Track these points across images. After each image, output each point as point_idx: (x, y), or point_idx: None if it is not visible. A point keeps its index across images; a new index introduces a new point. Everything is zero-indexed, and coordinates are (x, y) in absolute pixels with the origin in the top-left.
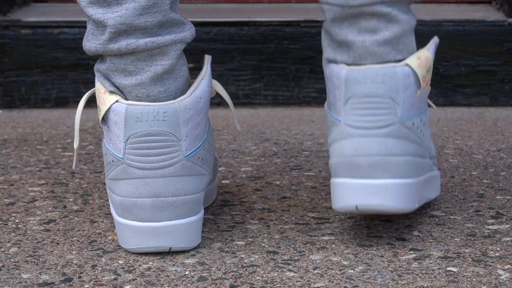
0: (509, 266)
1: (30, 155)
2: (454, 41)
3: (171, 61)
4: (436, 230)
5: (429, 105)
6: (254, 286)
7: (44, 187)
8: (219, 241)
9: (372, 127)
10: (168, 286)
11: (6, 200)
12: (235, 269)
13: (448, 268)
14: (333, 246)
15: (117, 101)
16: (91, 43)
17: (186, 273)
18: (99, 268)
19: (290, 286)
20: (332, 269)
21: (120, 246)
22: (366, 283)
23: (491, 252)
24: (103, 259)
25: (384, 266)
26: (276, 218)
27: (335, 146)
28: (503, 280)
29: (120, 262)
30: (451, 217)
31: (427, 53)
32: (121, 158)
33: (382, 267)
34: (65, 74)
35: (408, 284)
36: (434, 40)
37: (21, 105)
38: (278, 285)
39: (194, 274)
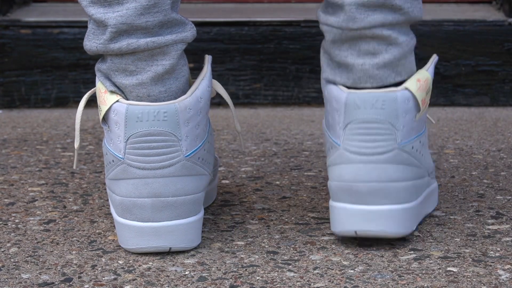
0: (509, 266)
1: (30, 155)
2: (454, 41)
3: (172, 61)
4: (436, 230)
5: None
6: (254, 286)
7: (44, 187)
8: (219, 241)
9: (372, 153)
10: (168, 286)
11: (6, 200)
12: (235, 269)
13: (448, 268)
14: (333, 246)
15: (117, 101)
16: (92, 42)
17: (186, 273)
18: (99, 268)
19: (290, 286)
20: (332, 269)
21: (120, 246)
22: (366, 283)
23: (491, 252)
24: (103, 259)
25: (384, 266)
26: (276, 218)
27: (334, 170)
28: (503, 280)
29: (120, 262)
30: (451, 217)
31: (426, 74)
32: (121, 158)
33: (382, 267)
34: (65, 74)
35: (408, 284)
36: (434, 59)
37: (21, 105)
38: (278, 285)
39: (194, 274)
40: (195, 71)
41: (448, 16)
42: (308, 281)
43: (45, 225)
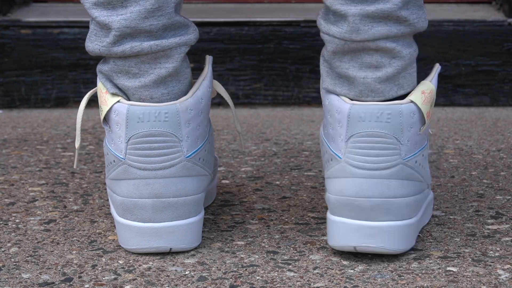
0: (508, 266)
1: (30, 155)
2: (454, 41)
3: (175, 64)
4: (436, 230)
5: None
6: (254, 286)
7: (44, 187)
8: (219, 241)
9: (375, 168)
10: (168, 286)
11: (6, 200)
12: (235, 269)
13: (448, 268)
14: None
15: (118, 101)
16: (94, 44)
17: (186, 273)
18: (99, 268)
19: (290, 286)
20: (332, 269)
21: (120, 246)
22: (366, 283)
23: (491, 252)
24: (103, 259)
25: (384, 266)
26: (276, 218)
27: (334, 183)
28: (502, 280)
29: (120, 262)
30: (451, 217)
31: (431, 85)
32: (122, 158)
33: (382, 267)
34: (65, 74)
35: (408, 284)
36: (437, 68)
37: (21, 105)
38: (278, 285)
39: (194, 274)
40: (196, 71)
41: (448, 16)
42: (308, 281)
43: (45, 225)
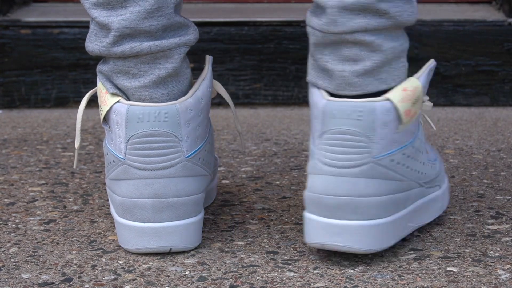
0: (509, 266)
1: (30, 155)
2: (454, 41)
3: (175, 65)
4: (436, 230)
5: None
6: (254, 286)
7: (44, 187)
8: (219, 241)
9: (343, 166)
10: (168, 286)
11: (6, 200)
12: (235, 269)
13: (448, 268)
14: None
15: (118, 101)
16: (94, 44)
17: (186, 273)
18: (99, 268)
19: (290, 286)
20: (332, 269)
21: (120, 246)
22: (366, 283)
23: (491, 252)
24: (103, 259)
25: (384, 266)
26: (276, 218)
27: (308, 179)
28: (503, 280)
29: (120, 262)
30: (451, 217)
31: (416, 82)
32: (122, 158)
33: (382, 267)
34: (65, 74)
35: (408, 284)
36: (429, 64)
37: (21, 105)
38: (278, 285)
39: (194, 274)
40: (195, 71)
41: (448, 16)
42: (308, 281)
43: (45, 225)
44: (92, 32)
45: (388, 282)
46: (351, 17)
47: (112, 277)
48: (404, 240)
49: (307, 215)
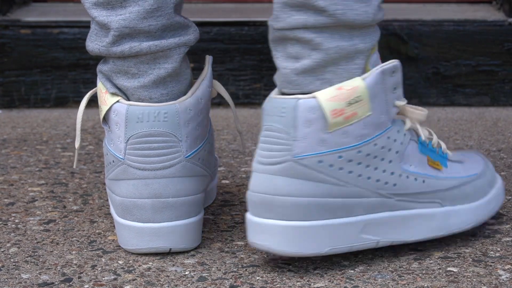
0: (509, 266)
1: (30, 155)
2: (454, 41)
3: (175, 65)
4: None
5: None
6: (254, 286)
7: (44, 187)
8: (219, 241)
9: (266, 163)
10: (168, 286)
11: (6, 200)
12: (235, 269)
13: (448, 268)
14: None
15: (118, 101)
16: (94, 44)
17: (186, 273)
18: (99, 268)
19: (290, 286)
20: (332, 269)
21: (120, 246)
22: (366, 283)
23: (491, 252)
24: (103, 259)
25: (384, 266)
26: None
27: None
28: (503, 280)
29: (120, 262)
30: None
31: (356, 82)
32: (121, 158)
33: (382, 267)
34: (65, 74)
35: (408, 284)
36: (384, 65)
37: (20, 105)
38: (278, 285)
39: (194, 274)
40: (195, 71)
41: (448, 16)
42: (308, 281)
43: (45, 225)
44: (93, 31)
45: (388, 282)
46: (292, 13)
47: (112, 277)
48: None
49: (249, 217)
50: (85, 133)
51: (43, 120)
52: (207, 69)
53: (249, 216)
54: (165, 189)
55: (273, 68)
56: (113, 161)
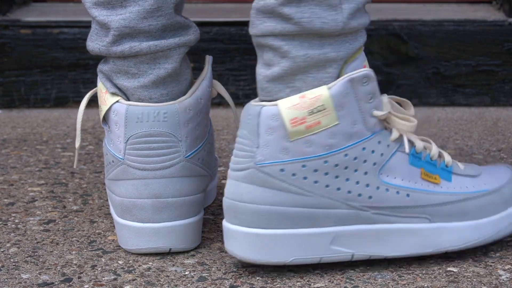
0: (509, 266)
1: (30, 155)
2: (454, 41)
3: (175, 65)
4: None
5: (409, 142)
6: (254, 286)
7: (44, 187)
8: (219, 241)
9: (234, 168)
10: (168, 286)
11: (5, 200)
12: (235, 269)
13: (448, 268)
14: None
15: (117, 101)
16: (94, 43)
17: (186, 273)
18: (99, 268)
19: (290, 286)
20: (332, 269)
21: (119, 246)
22: (366, 283)
23: (492, 252)
24: (103, 259)
25: (384, 266)
26: None
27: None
28: (503, 280)
29: (120, 262)
30: None
31: (321, 91)
32: (121, 158)
33: (382, 267)
34: (64, 74)
35: (408, 285)
36: (352, 74)
37: (20, 105)
38: (278, 285)
39: (194, 274)
40: (195, 71)
41: (448, 16)
42: (308, 281)
43: (45, 225)
44: (93, 31)
45: (388, 282)
46: (263, 20)
47: (112, 277)
48: None
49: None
50: (85, 133)
51: (43, 120)
52: (207, 69)
53: (223, 221)
54: (165, 189)
55: None
56: (112, 161)
